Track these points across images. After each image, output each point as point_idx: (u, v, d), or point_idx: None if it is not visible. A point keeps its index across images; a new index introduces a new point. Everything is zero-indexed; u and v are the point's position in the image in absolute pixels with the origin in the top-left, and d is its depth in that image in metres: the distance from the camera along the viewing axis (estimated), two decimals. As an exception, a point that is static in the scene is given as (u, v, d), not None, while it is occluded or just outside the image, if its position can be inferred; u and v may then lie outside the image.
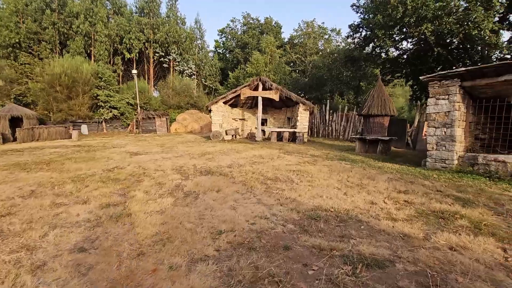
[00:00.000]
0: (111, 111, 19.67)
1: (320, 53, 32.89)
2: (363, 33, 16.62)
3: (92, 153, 8.73)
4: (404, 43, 15.35)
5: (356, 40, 17.46)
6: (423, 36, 12.74)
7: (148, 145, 11.43)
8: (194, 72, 33.56)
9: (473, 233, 2.75)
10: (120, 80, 28.42)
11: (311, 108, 14.14)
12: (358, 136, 10.58)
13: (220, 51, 44.64)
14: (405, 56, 15.44)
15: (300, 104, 14.17)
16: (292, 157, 8.02)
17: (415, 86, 16.29)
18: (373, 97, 10.01)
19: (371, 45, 16.04)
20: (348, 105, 17.33)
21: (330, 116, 17.45)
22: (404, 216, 3.23)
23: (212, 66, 36.59)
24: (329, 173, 5.75)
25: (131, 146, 11.23)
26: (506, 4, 12.23)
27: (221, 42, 44.17)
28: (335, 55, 24.01)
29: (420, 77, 6.64)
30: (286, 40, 38.34)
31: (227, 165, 6.54)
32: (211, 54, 41.92)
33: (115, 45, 26.70)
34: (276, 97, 14.10)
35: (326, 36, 34.21)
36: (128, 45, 27.49)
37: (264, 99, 14.90)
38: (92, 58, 24.56)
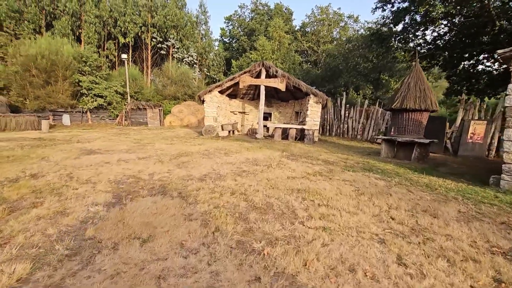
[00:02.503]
0: (95, 100, 17.90)
1: (335, 42, 30.41)
2: (396, 5, 13.89)
3: (35, 149, 6.87)
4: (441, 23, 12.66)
5: (386, 12, 14.66)
6: (486, 1, 9.95)
7: (121, 141, 9.54)
8: (195, 61, 31.59)
9: None
10: (116, 66, 26.72)
11: (324, 100, 11.97)
12: (386, 137, 8.40)
13: (227, 40, 42.50)
14: (446, 38, 12.79)
15: (311, 96, 12.02)
16: (298, 164, 5.96)
17: (454, 78, 13.80)
18: (408, 85, 7.81)
19: (401, 24, 13.38)
20: (367, 101, 14.98)
21: (347, 112, 15.21)
22: None
23: (217, 55, 34.52)
24: (355, 197, 3.69)
25: (100, 141, 9.37)
26: None
27: (228, 30, 41.98)
28: (353, 43, 21.58)
29: (498, 51, 4.45)
30: (297, 28, 35.89)
31: (201, 176, 4.55)
32: (216, 43, 39.86)
33: (108, 28, 24.93)
34: (281, 86, 11.99)
35: (342, 24, 31.61)
36: (122, 29, 25.67)
37: (267, 88, 12.82)
38: (82, 41, 22.86)
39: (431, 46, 13.77)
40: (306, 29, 33.80)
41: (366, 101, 14.47)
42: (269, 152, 7.82)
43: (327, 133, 16.34)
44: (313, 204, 3.32)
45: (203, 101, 12.77)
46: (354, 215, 3.00)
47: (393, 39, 14.48)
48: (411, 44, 14.28)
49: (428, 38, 13.94)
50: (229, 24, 42.55)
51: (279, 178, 4.53)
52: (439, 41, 13.25)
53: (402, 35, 14.06)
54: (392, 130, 8.53)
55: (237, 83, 12.63)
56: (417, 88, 7.65)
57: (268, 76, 12.43)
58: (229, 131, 13.45)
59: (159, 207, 3.02)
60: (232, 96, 14.98)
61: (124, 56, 19.49)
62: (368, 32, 20.21)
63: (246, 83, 12.38)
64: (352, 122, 14.76)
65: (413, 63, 7.99)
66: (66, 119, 17.68)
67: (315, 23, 32.06)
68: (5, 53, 16.64)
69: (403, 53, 15.70)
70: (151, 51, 29.12)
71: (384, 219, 2.95)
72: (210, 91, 12.43)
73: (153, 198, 3.32)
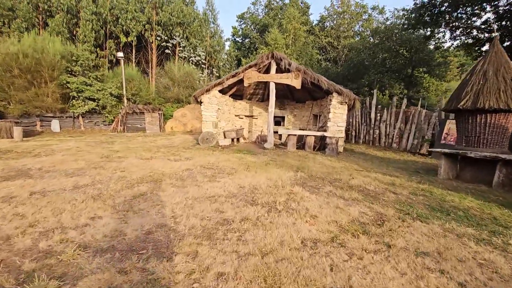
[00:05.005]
0: (86, 104, 16.44)
1: (358, 37, 27.84)
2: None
3: None
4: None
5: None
6: None
7: (89, 154, 7.70)
8: (203, 61, 30.02)
9: None
10: (118, 67, 25.55)
11: (351, 100, 9.66)
12: (448, 150, 5.98)
13: (239, 39, 40.89)
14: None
15: (334, 95, 9.76)
16: (321, 201, 3.74)
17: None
18: (484, 75, 5.42)
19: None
20: (405, 99, 12.26)
21: (378, 114, 12.72)
22: None
23: (228, 55, 32.88)
24: None
25: (60, 155, 7.58)
26: None
27: (240, 29, 40.38)
28: (381, 34, 19.02)
29: None
30: (315, 23, 33.61)
31: (137, 238, 2.47)
32: (227, 43, 38.38)
33: (109, 26, 23.82)
34: (296, 83, 9.80)
35: (366, 16, 29.01)
36: (124, 27, 24.50)
37: (279, 87, 10.70)
38: (79, 40, 21.74)
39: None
40: (324, 24, 31.48)
41: (405, 100, 11.91)
42: (277, 172, 5.63)
43: (353, 140, 13.89)
44: None
45: (200, 103, 10.82)
46: None
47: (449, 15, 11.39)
48: (480, 21, 11.02)
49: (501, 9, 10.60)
50: (241, 22, 40.97)
51: (287, 247, 2.35)
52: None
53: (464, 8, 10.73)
54: (457, 139, 6.12)
55: (241, 81, 10.58)
56: (500, 77, 5.23)
57: (279, 70, 10.30)
58: (233, 139, 11.39)
59: None
60: (237, 97, 12.94)
61: (119, 54, 18.03)
62: (401, 19, 17.62)
63: (252, 80, 10.29)
64: (386, 127, 12.25)
65: (492, 41, 5.57)
66: (55, 125, 16.34)
67: (334, 16, 29.68)
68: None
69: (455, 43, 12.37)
70: (156, 51, 27.83)
71: None
72: (208, 90, 10.45)
73: None
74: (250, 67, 10.31)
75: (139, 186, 4.24)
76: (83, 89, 16.16)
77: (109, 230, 2.61)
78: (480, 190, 5.05)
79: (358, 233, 2.70)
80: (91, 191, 3.92)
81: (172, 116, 20.42)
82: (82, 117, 17.45)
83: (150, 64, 28.32)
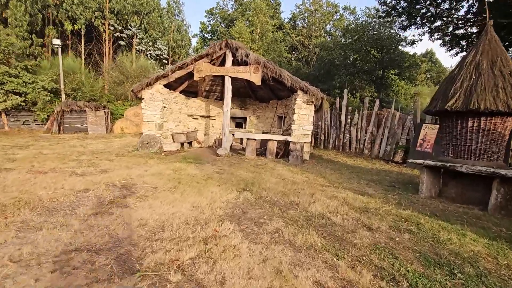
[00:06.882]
0: (9, 98, 13.77)
1: (329, 38, 27.34)
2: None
3: None
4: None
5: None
6: None
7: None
8: (166, 56, 27.85)
9: None
10: (60, 57, 22.50)
11: (319, 99, 8.47)
12: (430, 163, 4.86)
13: (208, 35, 39.05)
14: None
15: (299, 93, 8.52)
16: (256, 253, 2.31)
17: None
18: (476, 67, 4.37)
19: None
20: (378, 101, 11.35)
21: (349, 117, 11.73)
22: None
23: (195, 51, 31.00)
24: None
25: None
26: None
27: (208, 25, 38.56)
28: (353, 33, 18.35)
29: None
30: (286, 21, 32.80)
31: None
32: (195, 39, 36.48)
33: (50, 10, 20.93)
34: (255, 77, 8.41)
35: (337, 16, 28.68)
36: (70, 13, 21.71)
37: (238, 83, 9.29)
38: (11, 25, 18.68)
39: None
40: (296, 22, 30.77)
41: (377, 101, 11.02)
42: (214, 192, 4.15)
43: (322, 145, 12.81)
44: None
45: (140, 99, 9.03)
46: None
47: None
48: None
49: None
50: (210, 18, 39.16)
51: None
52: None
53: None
54: (436, 148, 5.06)
55: (190, 74, 8.97)
56: (497, 71, 4.20)
57: (236, 63, 8.86)
58: (183, 143, 9.73)
59: None
60: (190, 94, 11.28)
61: (56, 42, 15.53)
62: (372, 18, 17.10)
63: (203, 73, 8.72)
64: (357, 131, 11.28)
65: (485, 28, 4.56)
66: (-33, 124, 13.49)
67: (306, 15, 29.02)
68: None
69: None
70: (109, 43, 25.15)
71: None
72: (149, 84, 8.71)
73: None
74: (201, 57, 8.75)
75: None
76: (5, 81, 13.49)
77: None
78: (475, 216, 3.94)
79: None
80: None
81: (123, 115, 18.16)
82: (6, 114, 14.69)
83: (104, 58, 25.56)
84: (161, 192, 4.09)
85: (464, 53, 10.47)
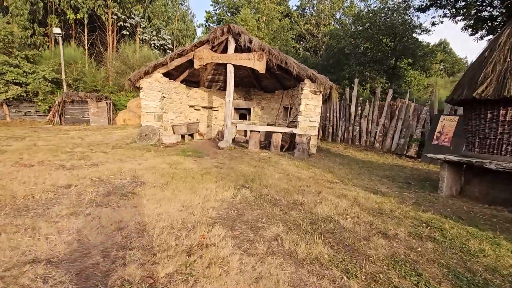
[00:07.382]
0: (9, 89, 13.58)
1: (339, 26, 26.37)
2: None
3: None
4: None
5: None
6: None
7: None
8: (170, 46, 27.36)
9: None
10: (61, 47, 22.25)
11: (327, 89, 7.94)
12: (454, 159, 4.34)
13: (213, 25, 38.34)
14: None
15: (306, 82, 7.99)
16: (248, 268, 1.88)
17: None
18: (510, 50, 3.79)
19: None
20: (391, 91, 10.72)
21: (359, 108, 11.13)
22: None
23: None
24: None
25: None
26: None
27: (214, 14, 37.80)
28: (364, 20, 17.51)
29: None
30: (294, 8, 31.85)
31: None
32: (200, 29, 35.81)
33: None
34: (259, 65, 7.90)
35: (348, 2, 27.60)
36: (72, 2, 21.35)
37: (242, 72, 8.81)
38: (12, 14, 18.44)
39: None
40: (304, 10, 29.80)
41: (390, 91, 10.39)
42: (209, 189, 3.75)
43: (330, 138, 12.28)
44: None
45: (139, 89, 8.65)
46: None
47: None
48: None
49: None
50: (216, 7, 38.43)
51: None
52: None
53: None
54: (453, 140, 4.53)
55: (191, 61, 8.52)
56: (537, 52, 3.62)
57: (239, 50, 8.36)
58: (183, 135, 9.36)
59: None
60: (192, 83, 10.85)
61: (56, 30, 15.23)
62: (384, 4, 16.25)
63: (204, 60, 8.26)
64: (368, 124, 10.69)
65: None
66: (-32, 114, 13.41)
67: (314, 2, 28.02)
68: None
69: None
70: (112, 33, 24.79)
71: None
72: (147, 73, 8.29)
73: None
74: (201, 44, 8.29)
75: None
76: (4, 71, 13.28)
77: None
78: (506, 220, 3.44)
79: None
80: None
81: (126, 107, 17.90)
82: (8, 105, 14.56)
83: (108, 48, 25.24)
84: (150, 188, 3.71)
85: (491, 36, 9.70)
